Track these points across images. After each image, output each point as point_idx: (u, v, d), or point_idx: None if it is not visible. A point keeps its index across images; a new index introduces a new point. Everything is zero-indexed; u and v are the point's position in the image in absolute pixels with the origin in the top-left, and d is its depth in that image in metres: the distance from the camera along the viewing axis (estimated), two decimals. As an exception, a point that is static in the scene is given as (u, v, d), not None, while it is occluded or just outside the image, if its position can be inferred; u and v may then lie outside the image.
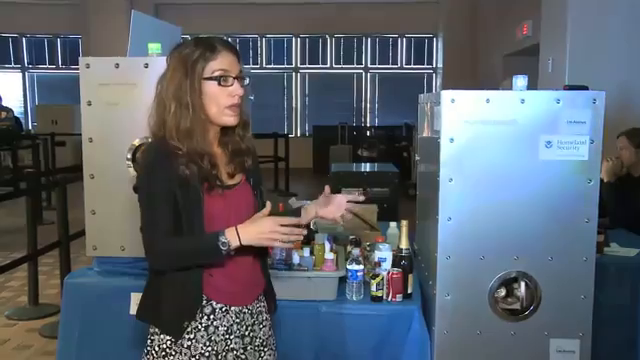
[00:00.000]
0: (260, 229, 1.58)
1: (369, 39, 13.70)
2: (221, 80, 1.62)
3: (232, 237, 1.56)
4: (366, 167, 6.23)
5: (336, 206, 1.89)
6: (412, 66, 13.78)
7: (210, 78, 1.62)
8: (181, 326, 1.63)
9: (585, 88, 2.12)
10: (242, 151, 1.74)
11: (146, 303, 1.71)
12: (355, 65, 13.84)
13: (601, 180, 2.10)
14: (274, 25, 13.18)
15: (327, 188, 1.94)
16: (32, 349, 3.73)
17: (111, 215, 2.47)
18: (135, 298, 2.36)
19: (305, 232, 1.66)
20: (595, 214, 2.06)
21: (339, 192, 2.03)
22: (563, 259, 2.07)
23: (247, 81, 1.69)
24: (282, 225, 1.58)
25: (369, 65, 13.83)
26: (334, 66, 13.88)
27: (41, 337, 3.90)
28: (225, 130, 1.72)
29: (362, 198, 1.97)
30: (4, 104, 10.80)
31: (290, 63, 13.89)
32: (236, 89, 1.64)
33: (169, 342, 1.64)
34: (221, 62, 1.62)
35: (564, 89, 2.15)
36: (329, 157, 10.81)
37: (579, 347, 2.09)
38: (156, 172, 1.60)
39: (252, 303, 1.76)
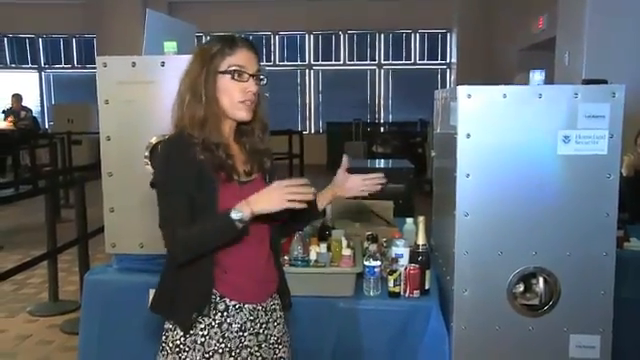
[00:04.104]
0: (268, 193, 1.57)
1: (382, 35, 13.66)
2: (235, 75, 1.64)
3: (244, 208, 1.54)
4: (381, 163, 6.22)
5: (353, 185, 1.85)
6: (426, 62, 13.72)
7: (225, 72, 1.63)
8: (191, 318, 1.63)
9: (604, 82, 2.10)
10: (261, 151, 1.76)
11: (160, 296, 1.72)
12: (369, 61, 13.82)
13: (621, 174, 2.08)
14: (287, 22, 13.19)
15: (345, 158, 1.89)
16: (54, 344, 3.79)
17: (129, 212, 2.49)
18: (153, 294, 2.38)
19: (313, 191, 1.61)
20: (615, 209, 2.04)
21: None
22: (582, 254, 2.05)
23: (264, 81, 1.70)
24: (288, 185, 1.56)
25: (382, 61, 13.79)
26: (347, 62, 13.87)
27: (62, 333, 3.96)
28: (244, 129, 1.73)
29: (381, 177, 1.87)
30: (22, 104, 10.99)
31: (303, 60, 13.91)
32: (250, 85, 1.65)
33: (183, 338, 1.65)
34: (238, 58, 1.64)
35: (583, 83, 2.13)
36: (343, 153, 10.78)
37: (599, 343, 2.08)
38: (172, 164, 1.61)
39: (266, 301, 1.76)
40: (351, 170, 1.92)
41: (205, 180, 1.61)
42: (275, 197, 1.55)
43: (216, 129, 1.65)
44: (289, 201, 1.55)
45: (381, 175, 1.89)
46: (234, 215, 1.53)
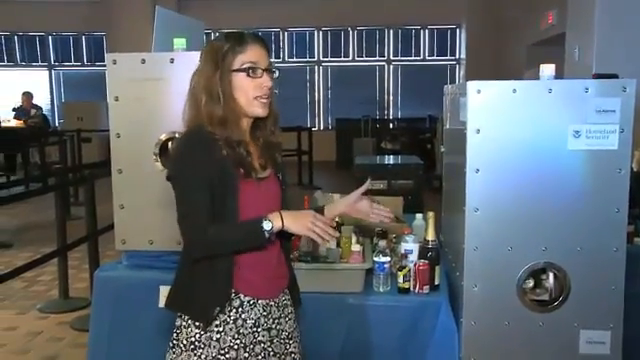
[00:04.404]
0: (301, 216, 1.64)
1: (391, 31, 13.62)
2: (250, 72, 1.65)
3: (275, 219, 1.60)
4: (390, 159, 6.21)
5: (362, 208, 1.90)
6: (435, 57, 13.67)
7: (239, 70, 1.64)
8: (212, 314, 1.64)
9: (615, 76, 2.08)
10: (273, 145, 1.77)
11: (176, 293, 1.73)
12: (378, 57, 13.78)
13: (631, 169, 2.06)
14: (296, 18, 13.19)
15: (367, 182, 1.93)
16: (64, 341, 3.81)
17: (139, 209, 2.50)
18: (164, 291, 2.38)
19: (337, 235, 1.68)
20: (625, 204, 2.03)
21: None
22: (593, 249, 2.04)
23: (276, 74, 1.71)
24: (320, 221, 1.62)
25: (391, 57, 13.75)
26: (356, 59, 13.84)
27: (72, 330, 3.98)
28: (256, 124, 1.75)
29: (388, 217, 1.93)
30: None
31: (312, 56, 13.90)
32: (265, 81, 1.67)
33: (198, 335, 1.66)
34: (250, 55, 1.65)
35: (593, 77, 2.12)
36: (352, 150, 10.80)
37: (610, 338, 2.07)
38: (195, 160, 1.62)
39: (278, 296, 1.78)
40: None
41: (226, 176, 1.62)
42: (304, 223, 1.61)
43: (237, 127, 1.67)
44: (313, 232, 1.60)
45: (389, 212, 1.94)
46: (265, 225, 1.58)
